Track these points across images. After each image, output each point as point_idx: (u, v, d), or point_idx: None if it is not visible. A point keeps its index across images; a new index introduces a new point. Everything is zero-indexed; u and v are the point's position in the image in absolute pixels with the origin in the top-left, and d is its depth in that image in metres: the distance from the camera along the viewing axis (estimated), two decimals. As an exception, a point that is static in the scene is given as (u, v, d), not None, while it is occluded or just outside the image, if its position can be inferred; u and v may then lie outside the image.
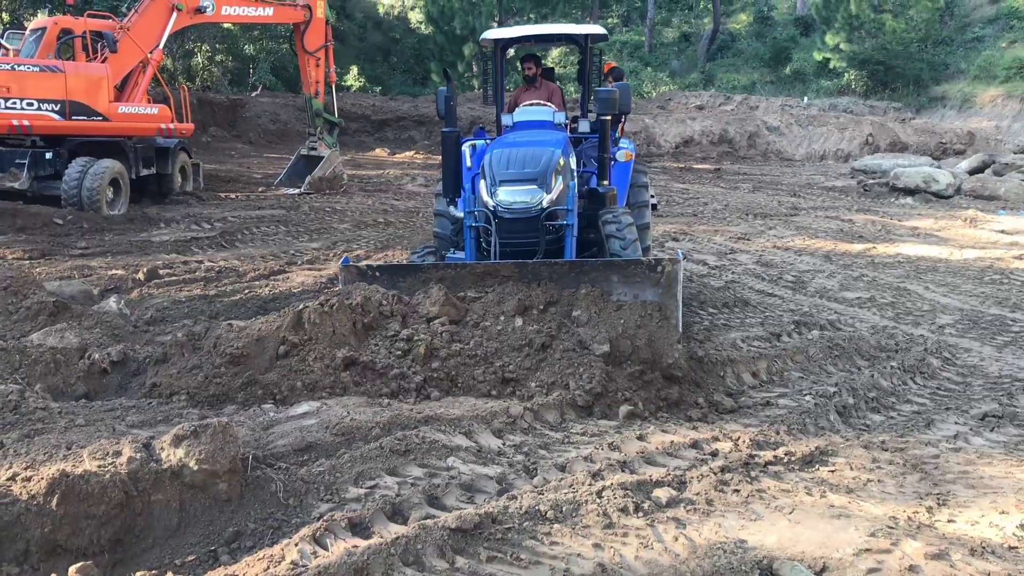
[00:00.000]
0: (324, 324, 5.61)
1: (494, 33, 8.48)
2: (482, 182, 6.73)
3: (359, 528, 3.57)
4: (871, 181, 20.55)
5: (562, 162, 6.70)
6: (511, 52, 8.99)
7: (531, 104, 8.08)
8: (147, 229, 13.36)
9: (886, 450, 4.81)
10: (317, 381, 5.37)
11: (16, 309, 6.60)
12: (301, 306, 5.75)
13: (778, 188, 21.02)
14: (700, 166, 27.46)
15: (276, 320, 5.71)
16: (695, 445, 4.73)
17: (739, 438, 4.81)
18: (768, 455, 4.56)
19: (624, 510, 3.78)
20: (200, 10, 16.62)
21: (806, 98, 35.84)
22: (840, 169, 26.29)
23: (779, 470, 4.42)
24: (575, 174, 7.11)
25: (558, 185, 6.54)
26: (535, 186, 6.48)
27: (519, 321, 5.79)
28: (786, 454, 4.61)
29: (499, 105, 8.52)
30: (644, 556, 3.41)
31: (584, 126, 8.06)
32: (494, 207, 6.60)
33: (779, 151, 31.80)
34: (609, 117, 7.32)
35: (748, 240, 13.02)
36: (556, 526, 3.61)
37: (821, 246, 12.49)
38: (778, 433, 5.02)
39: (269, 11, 18.43)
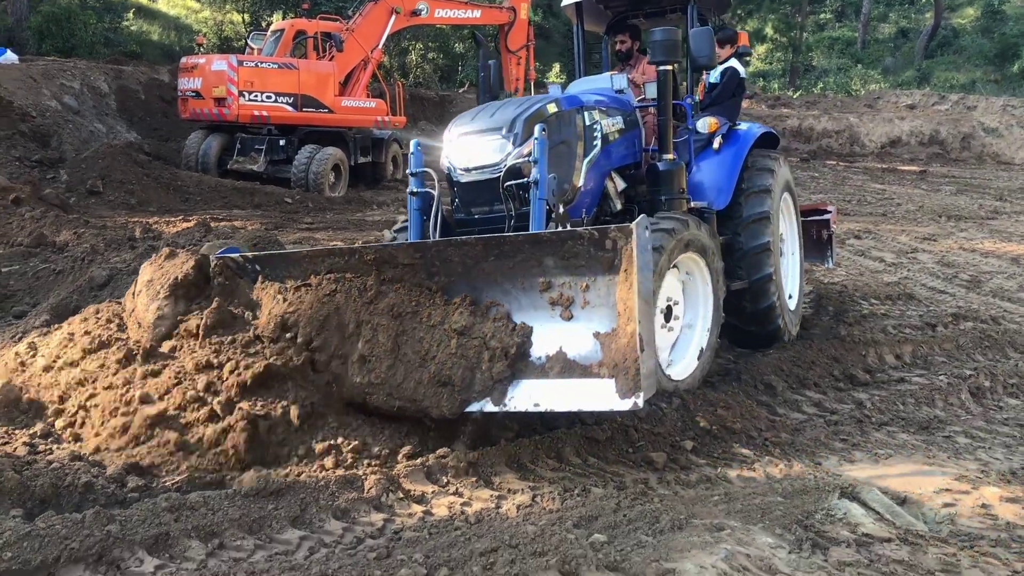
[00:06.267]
0: None
1: None
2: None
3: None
4: (1092, 187, 19.28)
5: (552, 108, 5.22)
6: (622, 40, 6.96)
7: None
8: (362, 210, 15.01)
9: (1007, 425, 5.16)
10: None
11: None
12: None
13: (984, 192, 20.16)
14: (905, 167, 26.52)
15: None
16: (817, 404, 5.31)
17: (861, 403, 5.33)
18: (884, 417, 5.07)
19: (739, 441, 4.48)
20: (416, 12, 18.25)
21: (1033, 98, 33.49)
22: (1064, 174, 24.63)
23: (893, 430, 4.93)
24: (607, 137, 5.62)
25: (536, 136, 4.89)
26: (500, 137, 5.08)
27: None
28: (903, 418, 5.10)
29: None
30: (744, 475, 4.12)
31: (652, 90, 6.03)
32: (448, 167, 5.36)
33: (996, 154, 30.02)
34: (670, 68, 5.71)
35: (934, 241, 12.89)
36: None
37: (1012, 250, 12.19)
38: (904, 404, 5.46)
39: (477, 13, 19.88)
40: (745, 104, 31.30)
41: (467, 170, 5.20)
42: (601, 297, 3.99)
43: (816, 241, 7.88)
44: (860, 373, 6.07)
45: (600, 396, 3.82)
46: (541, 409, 3.96)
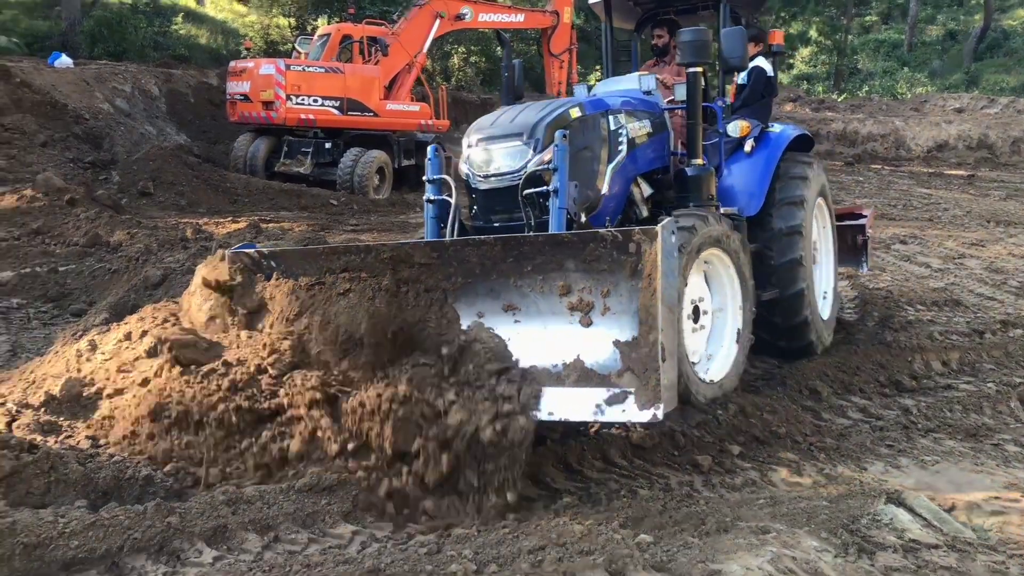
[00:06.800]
0: None
1: None
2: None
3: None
4: None
5: (576, 112, 5.08)
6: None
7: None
8: (405, 212, 15.17)
9: (1058, 434, 5.10)
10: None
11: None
12: None
13: (1035, 197, 19.81)
14: (952, 172, 26.10)
15: None
16: (863, 410, 5.29)
17: (908, 409, 5.31)
18: (931, 424, 5.04)
19: (784, 446, 4.49)
20: (460, 17, 18.38)
21: (1085, 101, 32.72)
22: (1118, 179, 24.06)
23: (940, 437, 4.91)
24: (633, 142, 5.46)
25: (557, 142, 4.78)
26: (520, 143, 4.89)
27: None
28: (950, 425, 5.06)
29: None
30: (790, 480, 4.14)
31: (681, 92, 5.83)
32: (467, 174, 5.16)
33: (1048, 159, 29.45)
34: (700, 70, 5.55)
35: (982, 246, 12.70)
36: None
37: (1064, 256, 11.97)
38: (951, 411, 5.42)
39: (521, 17, 19.99)
40: (788, 108, 31.01)
41: (485, 177, 5.00)
42: (622, 303, 3.82)
43: (851, 246, 7.65)
44: (906, 379, 6.02)
45: (618, 407, 3.68)
46: (555, 418, 3.79)
